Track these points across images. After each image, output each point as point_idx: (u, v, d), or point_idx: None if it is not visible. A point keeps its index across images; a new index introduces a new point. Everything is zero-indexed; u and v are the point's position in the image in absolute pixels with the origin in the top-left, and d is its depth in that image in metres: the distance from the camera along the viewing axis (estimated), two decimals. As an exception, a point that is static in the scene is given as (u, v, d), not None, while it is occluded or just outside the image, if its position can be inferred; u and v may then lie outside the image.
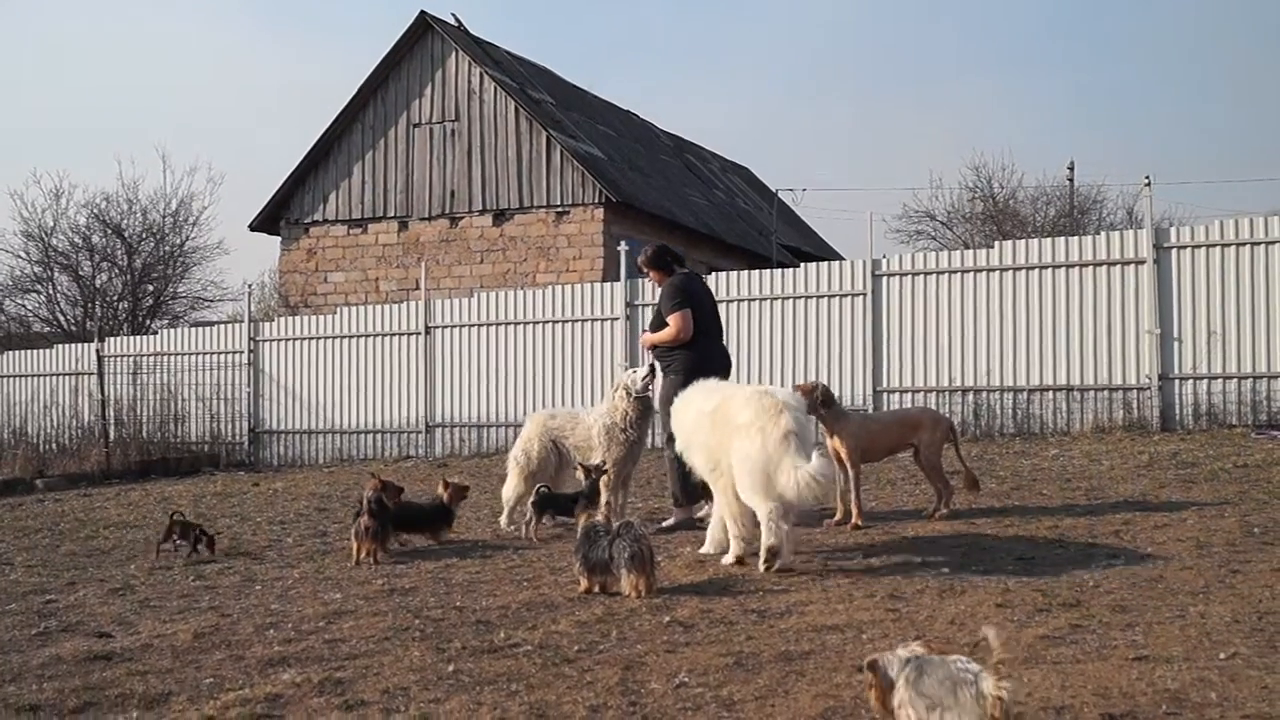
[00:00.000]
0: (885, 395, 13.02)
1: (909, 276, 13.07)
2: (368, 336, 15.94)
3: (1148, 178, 12.49)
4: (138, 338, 18.92)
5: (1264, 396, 11.53)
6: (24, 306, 28.14)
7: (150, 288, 28.73)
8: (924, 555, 6.21)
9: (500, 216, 20.52)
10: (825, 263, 14.30)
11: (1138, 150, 56.20)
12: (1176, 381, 11.89)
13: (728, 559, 6.25)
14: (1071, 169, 34.25)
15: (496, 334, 15.15)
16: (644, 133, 27.19)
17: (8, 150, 55.03)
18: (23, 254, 27.71)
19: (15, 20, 60.11)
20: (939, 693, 3.00)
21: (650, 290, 13.91)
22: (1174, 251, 12.04)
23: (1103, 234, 13.29)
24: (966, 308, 12.79)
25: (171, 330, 19.98)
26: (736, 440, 6.00)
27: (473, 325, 15.29)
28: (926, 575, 5.70)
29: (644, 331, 8.34)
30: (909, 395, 12.89)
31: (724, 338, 8.28)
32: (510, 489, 8.11)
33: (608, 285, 14.96)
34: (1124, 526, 6.71)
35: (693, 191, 25.28)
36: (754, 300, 13.71)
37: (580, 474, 7.49)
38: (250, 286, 17.84)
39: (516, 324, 15.03)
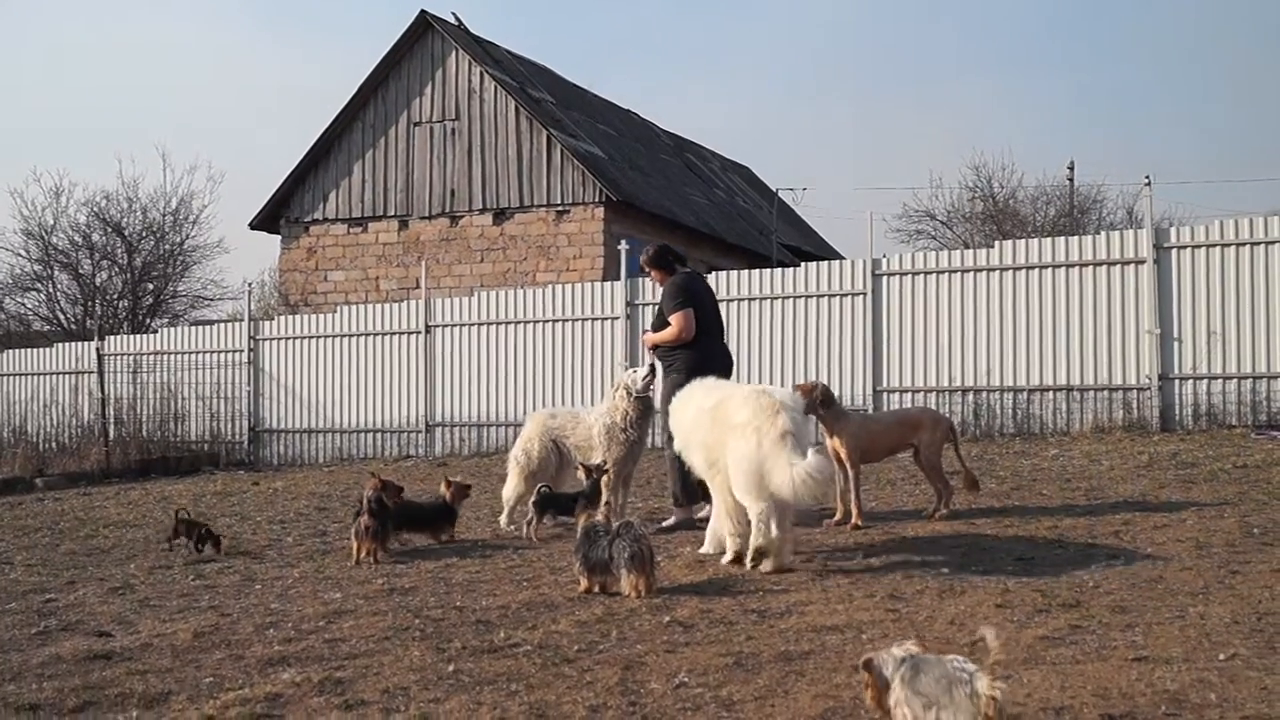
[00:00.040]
0: (885, 395, 13.02)
1: (909, 276, 13.07)
2: (368, 335, 15.94)
3: (1148, 177, 12.50)
4: (138, 336, 18.93)
5: (1264, 397, 11.53)
6: (24, 305, 28.18)
7: (150, 286, 28.74)
8: (924, 555, 6.21)
9: (500, 215, 20.52)
10: (825, 262, 14.30)
11: (1138, 150, 56.25)
12: (1176, 382, 11.89)
13: (727, 558, 6.26)
14: (1071, 169, 34.27)
15: (497, 333, 15.15)
16: (644, 132, 27.19)
17: (8, 149, 55.07)
18: (23, 252, 27.76)
19: (16, 20, 60.13)
20: (935, 691, 3.01)
21: (650, 290, 13.91)
22: (1174, 251, 12.04)
23: (1103, 234, 13.29)
24: (966, 307, 12.79)
25: (171, 329, 19.99)
26: (733, 439, 6.03)
27: (473, 324, 15.29)
28: (926, 575, 5.70)
29: (645, 331, 8.34)
30: (909, 395, 12.89)
31: (725, 337, 8.28)
32: (510, 488, 8.11)
33: (608, 284, 14.96)
34: (1124, 527, 6.71)
35: (693, 191, 25.29)
36: (754, 300, 13.71)
37: (581, 474, 7.50)
38: (250, 285, 17.85)
39: (517, 323, 15.03)
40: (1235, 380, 11.67)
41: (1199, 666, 3.95)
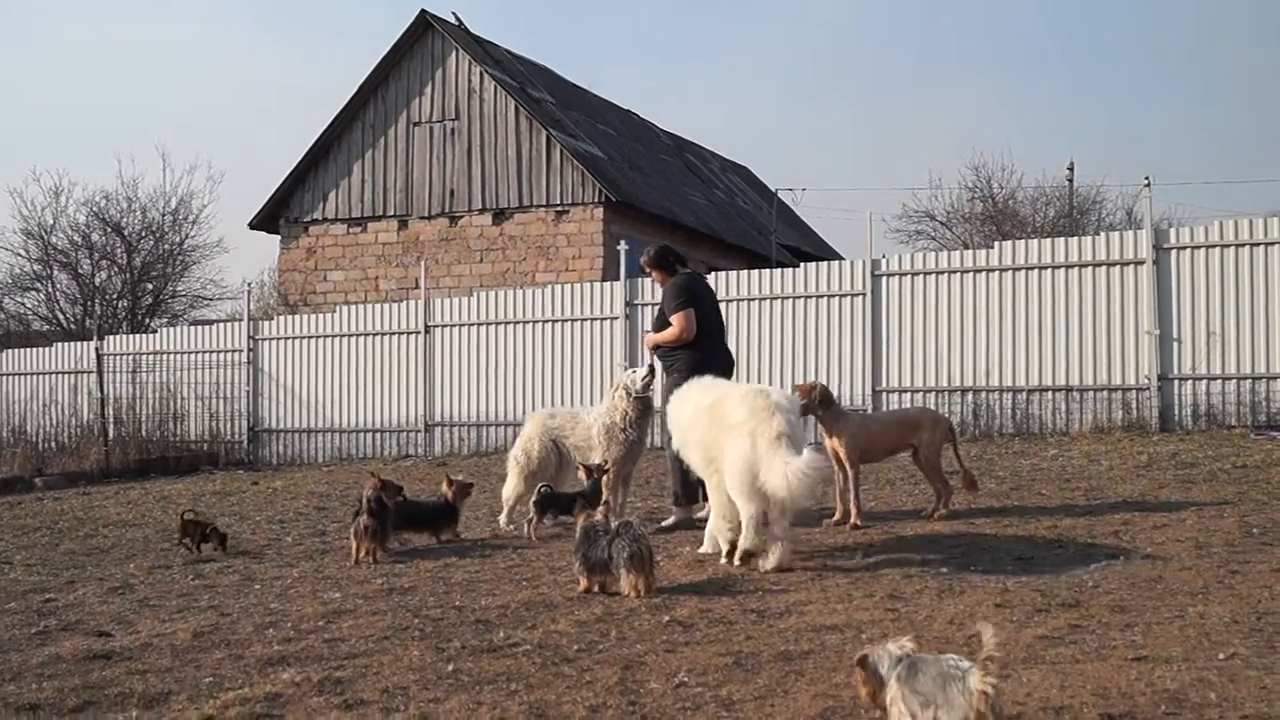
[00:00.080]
0: (884, 395, 13.02)
1: (908, 276, 13.08)
2: (367, 335, 15.94)
3: (1147, 178, 12.51)
4: (137, 336, 18.92)
5: (1263, 397, 11.54)
6: (23, 304, 28.19)
7: (150, 286, 28.74)
8: (923, 555, 6.21)
9: (500, 215, 20.51)
10: (825, 262, 14.31)
11: (1137, 151, 56.25)
12: (1176, 382, 11.90)
13: (724, 559, 6.27)
14: (1071, 169, 34.28)
15: (496, 333, 15.15)
16: (644, 132, 27.19)
17: (8, 149, 55.05)
18: (22, 252, 27.77)
19: (15, 20, 60.12)
20: (931, 690, 3.02)
21: (650, 289, 13.92)
22: (1173, 252, 12.05)
23: (1102, 234, 13.30)
24: (966, 308, 12.80)
25: (171, 329, 19.99)
26: (729, 439, 6.07)
27: (472, 324, 15.29)
28: (925, 575, 5.70)
29: (646, 331, 8.34)
30: (908, 395, 12.89)
31: (726, 337, 8.29)
32: (510, 488, 8.11)
33: (607, 285, 14.96)
34: (1123, 527, 6.71)
35: (692, 191, 25.29)
36: (753, 300, 13.71)
37: (581, 473, 7.51)
38: (250, 285, 17.82)
39: (516, 323, 15.03)
40: (1234, 380, 11.68)
41: (1198, 666, 3.95)
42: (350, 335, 16.04)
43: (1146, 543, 6.23)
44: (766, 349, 13.58)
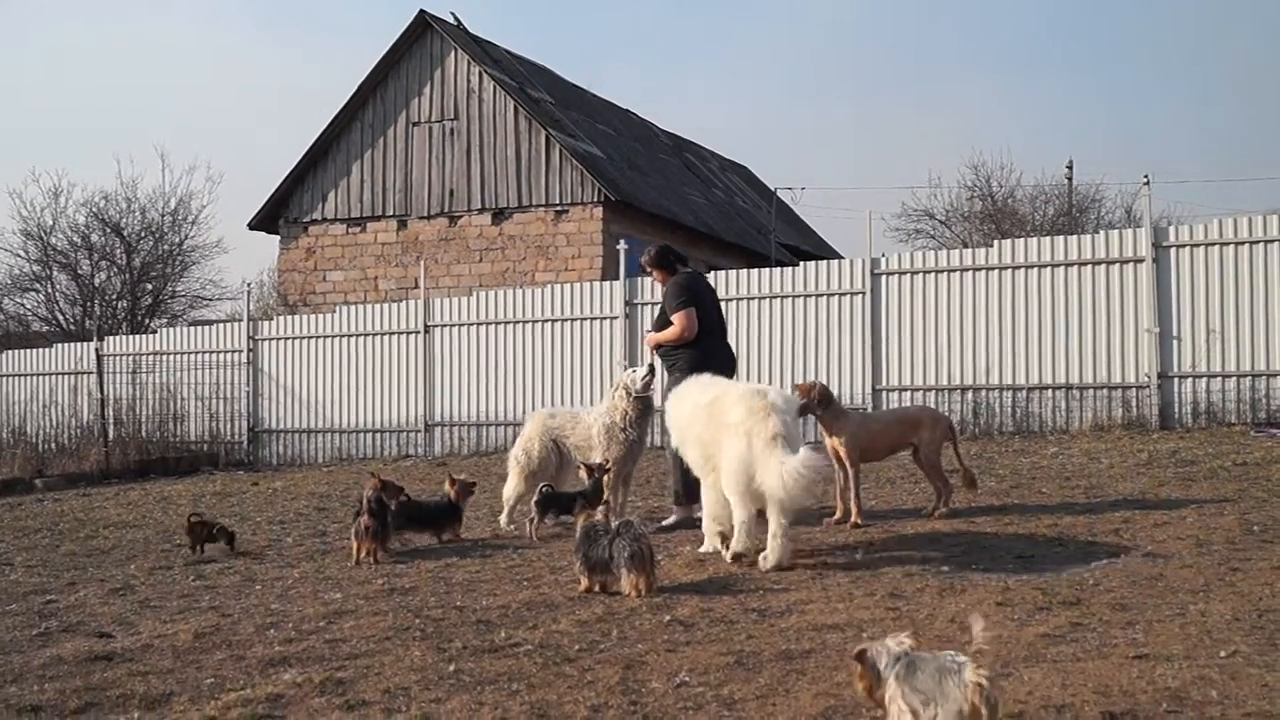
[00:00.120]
0: (884, 394, 13.02)
1: (908, 275, 13.08)
2: (367, 335, 15.93)
3: (1146, 177, 12.51)
4: (137, 337, 18.92)
5: (1263, 394, 11.54)
6: (23, 305, 28.19)
7: (149, 286, 28.73)
8: (924, 554, 6.21)
9: (499, 215, 20.51)
10: (824, 261, 14.30)
11: (1136, 149, 56.25)
12: (1175, 380, 11.90)
13: (726, 555, 6.28)
14: (1070, 168, 34.27)
15: (495, 333, 15.15)
16: (643, 132, 27.19)
17: (7, 149, 55.04)
18: (22, 253, 27.75)
19: (15, 20, 60.10)
20: (930, 686, 3.05)
21: (649, 289, 13.92)
22: (1173, 250, 12.05)
23: (1101, 233, 13.30)
24: (965, 306, 12.80)
25: (170, 329, 19.98)
26: (726, 438, 6.12)
27: (472, 324, 15.28)
28: (926, 574, 5.70)
29: (648, 331, 8.34)
30: (908, 394, 12.89)
31: (728, 336, 8.29)
32: (511, 488, 8.11)
33: (607, 284, 14.96)
34: (1123, 525, 6.72)
35: (692, 190, 25.28)
36: (753, 299, 13.71)
37: (583, 473, 7.51)
38: (249, 285, 17.81)
39: (515, 323, 15.03)
40: (1234, 378, 11.68)
41: (1200, 664, 3.95)
42: (350, 335, 16.04)
43: (1147, 540, 6.23)
44: (766, 348, 13.58)
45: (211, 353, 16.74)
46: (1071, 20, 65.82)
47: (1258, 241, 11.73)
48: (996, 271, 12.74)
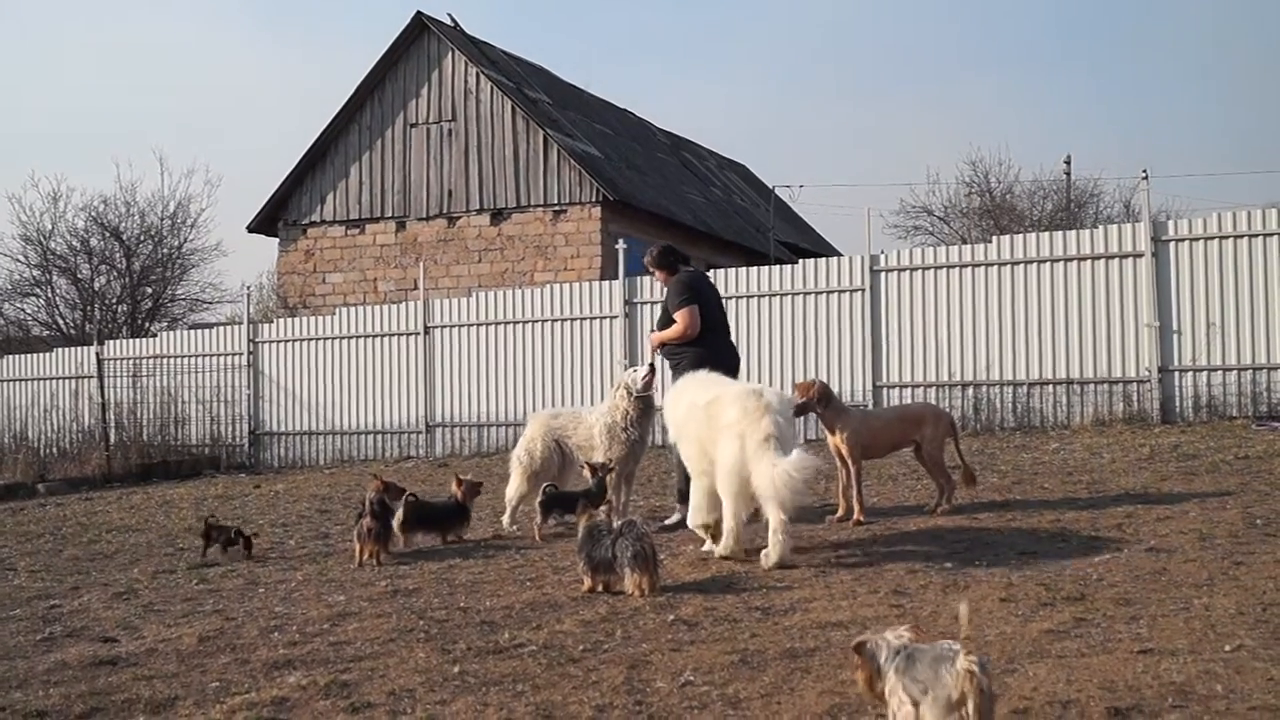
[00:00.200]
0: (885, 391, 13.02)
1: (907, 272, 13.07)
2: (367, 337, 15.93)
3: (1145, 171, 12.51)
4: (137, 340, 18.90)
5: (1264, 388, 11.54)
6: (23, 310, 28.13)
7: (149, 290, 28.70)
8: (927, 550, 6.21)
9: (498, 216, 20.51)
10: (823, 259, 14.30)
11: (1135, 144, 56.23)
12: (1176, 374, 11.90)
13: (708, 547, 6.45)
14: (1068, 163, 34.25)
15: (495, 333, 15.14)
16: (641, 131, 27.18)
17: (6, 154, 55.02)
18: (21, 258, 27.69)
19: (14, 22, 60.08)
20: (927, 675, 3.07)
21: (649, 287, 13.92)
22: (1172, 244, 12.05)
23: (1100, 227, 13.30)
24: (965, 302, 12.79)
25: (171, 333, 19.96)
26: (721, 439, 6.18)
27: (471, 325, 15.28)
28: (930, 570, 5.71)
29: (651, 331, 8.34)
30: (908, 390, 12.89)
31: (731, 334, 8.29)
32: (513, 489, 8.11)
33: (606, 284, 14.95)
34: (1126, 519, 6.72)
35: (690, 189, 25.28)
36: (752, 297, 13.71)
37: (586, 472, 7.52)
38: (249, 288, 17.81)
39: (515, 323, 15.02)
40: (1235, 371, 11.68)
41: (1204, 658, 3.96)
42: (350, 337, 16.03)
43: (1150, 535, 6.23)
44: (766, 346, 13.57)
45: (212, 356, 16.73)
46: (1070, 16, 65.84)
47: (1257, 235, 11.72)
48: (996, 267, 12.73)
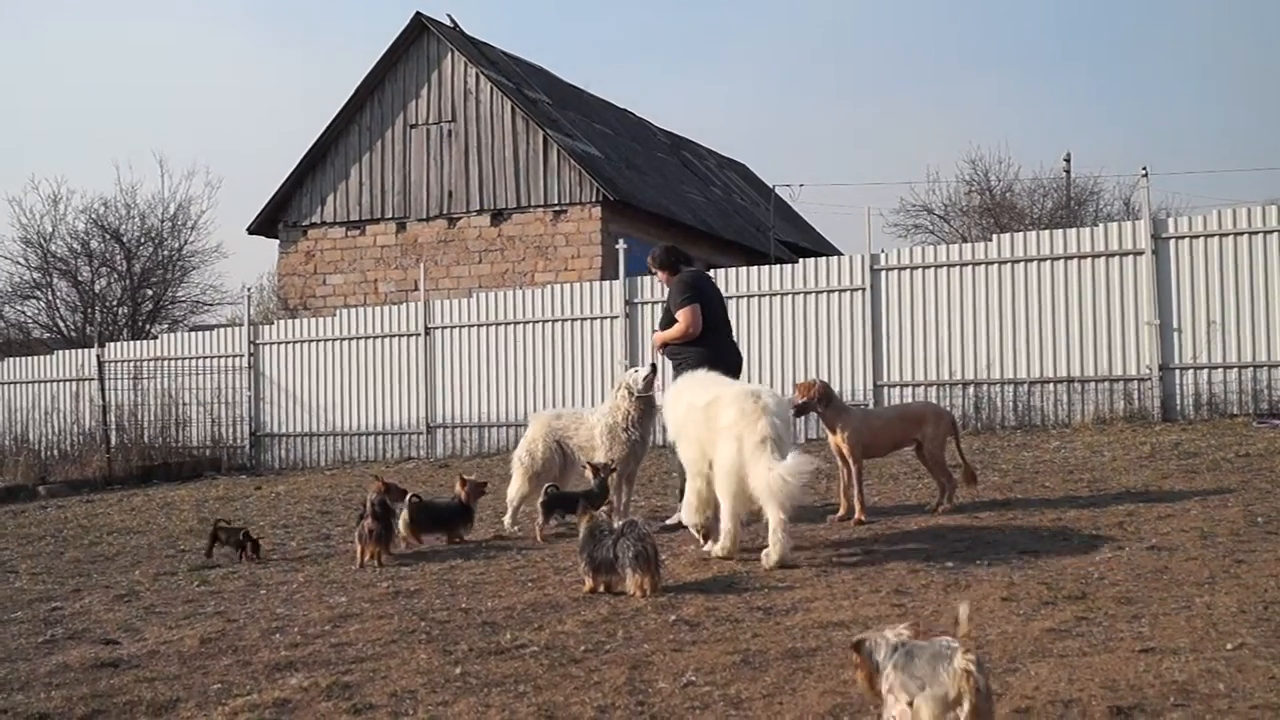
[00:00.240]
0: (885, 390, 13.02)
1: (907, 271, 13.07)
2: (367, 338, 15.93)
3: (1145, 169, 12.51)
4: (138, 343, 18.91)
5: (1264, 385, 11.54)
6: (24, 313, 28.13)
7: (149, 292, 28.69)
8: (928, 549, 6.21)
9: (498, 216, 20.51)
10: (824, 258, 14.29)
11: (1135, 142, 56.18)
12: (1177, 371, 11.89)
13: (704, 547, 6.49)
14: (1068, 161, 34.23)
15: (496, 334, 15.15)
16: (640, 131, 27.18)
17: (7, 156, 55.04)
18: (21, 260, 27.69)
19: (13, 25, 60.10)
20: (925, 671, 3.08)
21: (650, 287, 13.93)
22: (1172, 242, 12.05)
23: (1100, 225, 13.29)
24: (965, 301, 12.79)
25: (171, 335, 19.95)
26: (719, 440, 6.20)
27: (472, 325, 15.28)
28: (931, 570, 5.70)
29: (654, 331, 8.35)
30: (909, 390, 12.89)
31: (734, 334, 8.30)
32: (514, 490, 8.11)
33: (606, 284, 14.95)
34: (1127, 518, 6.71)
35: (690, 189, 25.28)
36: (753, 296, 13.71)
37: (589, 473, 7.52)
38: (249, 290, 17.83)
39: (516, 324, 15.02)
40: (1235, 369, 11.67)
41: (1206, 657, 3.95)
42: (350, 338, 16.03)
43: (1151, 533, 6.23)
44: (767, 345, 13.57)
45: (212, 358, 16.74)
46: (1070, 16, 65.81)
47: (1257, 232, 11.72)
48: (996, 266, 12.73)
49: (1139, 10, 64.33)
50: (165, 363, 16.88)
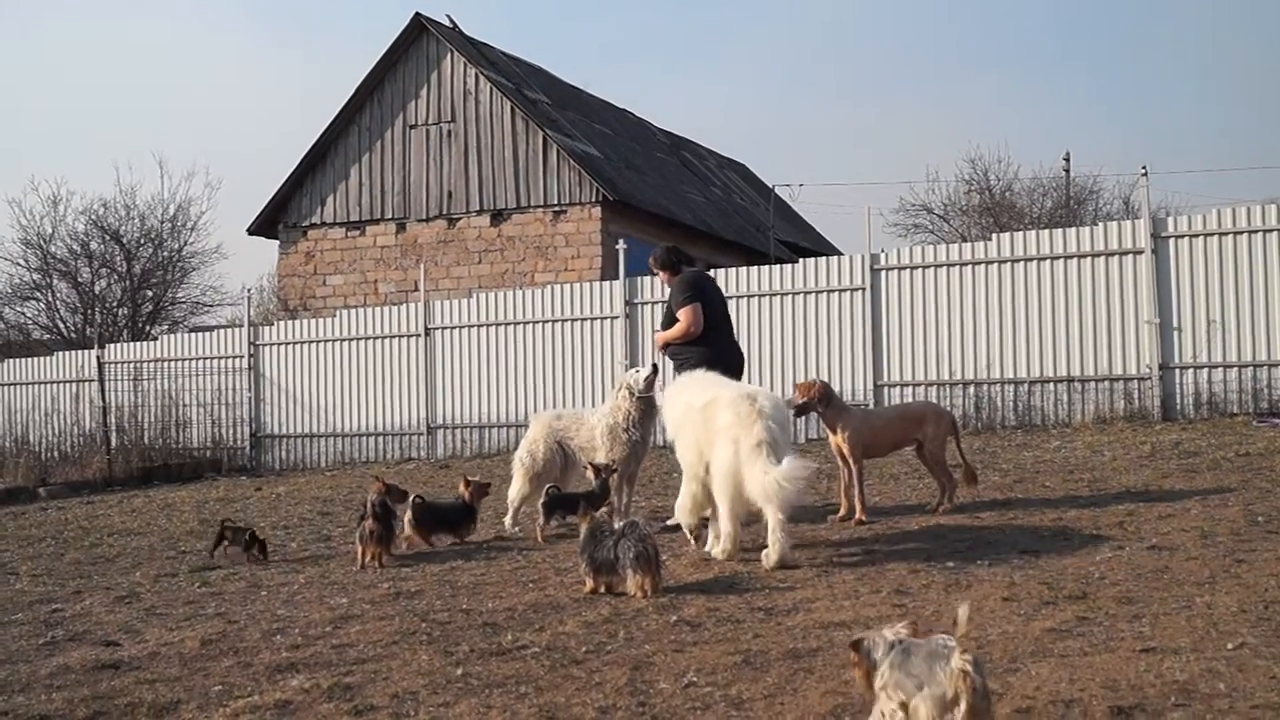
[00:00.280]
0: (885, 390, 13.02)
1: (907, 270, 13.07)
2: (367, 339, 15.93)
3: (1145, 168, 12.53)
4: (138, 344, 18.92)
5: (1264, 385, 11.53)
6: (24, 314, 28.15)
7: (149, 293, 28.72)
8: (929, 549, 6.22)
9: (498, 216, 20.51)
10: (824, 258, 14.29)
11: (1134, 140, 56.15)
12: (1177, 371, 11.90)
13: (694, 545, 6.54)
14: (1068, 160, 34.24)
15: (496, 334, 15.15)
16: (640, 131, 27.18)
17: (6, 156, 55.04)
18: (22, 262, 27.72)
19: (13, 26, 60.09)
20: (922, 670, 3.08)
21: (650, 288, 13.94)
22: (1172, 241, 12.05)
23: (1100, 224, 13.29)
24: (965, 301, 12.80)
25: (171, 336, 19.95)
26: (717, 442, 6.21)
27: (472, 326, 15.28)
28: (932, 569, 5.71)
29: (655, 331, 8.35)
30: (909, 389, 12.89)
31: (736, 334, 8.31)
32: (515, 490, 8.11)
33: (606, 284, 14.96)
34: (1128, 517, 6.72)
35: (690, 189, 25.28)
36: (753, 296, 13.71)
37: (590, 473, 7.52)
38: (249, 291, 17.83)
39: (516, 324, 15.03)
40: (1236, 368, 11.67)
41: (1207, 656, 3.95)
42: (350, 339, 16.04)
43: (1152, 533, 6.23)
44: (767, 345, 13.57)
45: (213, 359, 16.74)
46: (1070, 16, 65.79)
47: (1256, 231, 11.72)
48: (996, 265, 12.73)
49: (1139, 10, 64.33)
50: (165, 364, 16.88)
